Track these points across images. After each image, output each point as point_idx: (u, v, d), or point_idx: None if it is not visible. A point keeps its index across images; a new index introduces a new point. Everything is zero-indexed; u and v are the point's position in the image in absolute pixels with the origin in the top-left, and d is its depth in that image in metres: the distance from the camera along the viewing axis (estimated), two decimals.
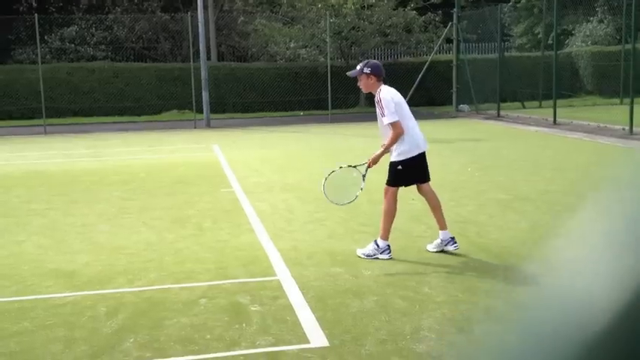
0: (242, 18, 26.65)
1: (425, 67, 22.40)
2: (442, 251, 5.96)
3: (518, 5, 30.70)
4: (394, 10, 24.72)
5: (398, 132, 5.74)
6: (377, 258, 5.79)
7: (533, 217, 7.29)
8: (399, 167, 5.86)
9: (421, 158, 5.94)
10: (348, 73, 6.21)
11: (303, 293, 4.88)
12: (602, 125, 16.61)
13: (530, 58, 26.56)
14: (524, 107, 22.96)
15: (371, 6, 24.41)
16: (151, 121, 22.44)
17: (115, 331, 4.27)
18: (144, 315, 4.54)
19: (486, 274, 5.30)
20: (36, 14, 21.23)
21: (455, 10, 23.38)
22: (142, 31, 27.73)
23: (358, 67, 5.96)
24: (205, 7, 23.15)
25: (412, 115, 6.00)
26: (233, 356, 3.87)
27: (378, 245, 5.84)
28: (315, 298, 4.79)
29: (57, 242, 6.71)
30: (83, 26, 27.12)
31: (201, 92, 20.91)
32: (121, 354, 3.93)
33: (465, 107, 23.49)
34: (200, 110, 21.12)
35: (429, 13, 25.31)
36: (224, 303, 4.74)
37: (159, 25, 27.90)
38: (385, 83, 6.00)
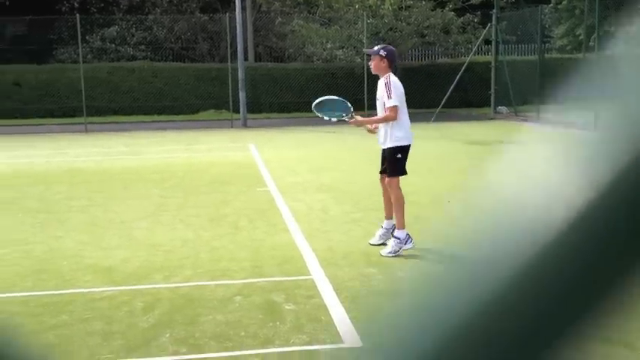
0: (280, 19, 26.76)
1: (463, 68, 22.19)
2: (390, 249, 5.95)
3: (559, 6, 30.23)
4: (432, 11, 24.55)
5: (392, 116, 5.98)
6: (402, 250, 5.86)
7: None
8: (399, 155, 6.05)
9: (409, 149, 6.18)
10: (365, 50, 6.67)
11: (337, 293, 4.88)
12: None
13: (572, 59, 26.12)
14: (564, 109, 22.57)
15: (409, 7, 24.29)
16: (189, 121, 22.70)
17: (152, 326, 4.32)
18: (180, 311, 4.59)
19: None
20: (77, 14, 21.66)
21: (494, 11, 23.12)
22: (180, 31, 28.07)
23: (376, 48, 6.20)
24: (243, 8, 23.34)
25: (407, 110, 6.24)
26: (267, 354, 3.88)
27: (398, 238, 5.93)
28: (349, 298, 4.78)
29: (96, 238, 6.82)
30: (123, 26, 27.57)
31: (238, 92, 21.07)
32: (156, 349, 3.98)
33: (503, 109, 23.20)
34: (237, 110, 21.28)
35: (468, 14, 25.08)
36: (259, 301, 4.76)
37: (197, 26, 28.21)
38: (395, 73, 6.20)
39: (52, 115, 23.45)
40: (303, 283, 5.19)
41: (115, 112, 23.95)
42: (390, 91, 5.96)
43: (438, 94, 23.29)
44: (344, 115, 6.40)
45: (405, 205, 6.15)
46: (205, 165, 12.27)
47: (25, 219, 7.85)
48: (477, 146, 14.06)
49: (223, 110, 23.45)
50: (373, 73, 6.29)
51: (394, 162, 6.05)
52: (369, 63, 6.26)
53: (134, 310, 4.64)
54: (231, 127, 20.46)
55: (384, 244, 6.14)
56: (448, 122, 20.50)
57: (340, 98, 6.59)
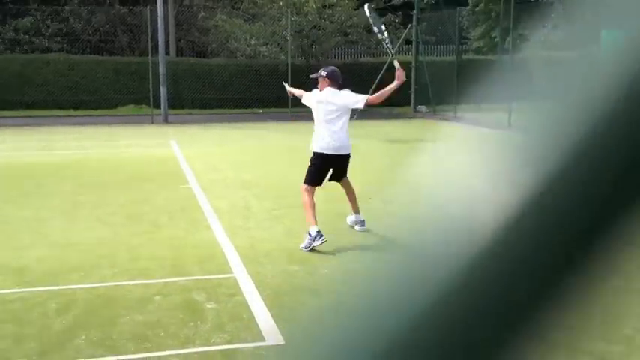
0: (202, 13, 26.41)
1: (384, 67, 22.56)
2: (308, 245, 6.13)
3: (476, 9, 31.16)
4: (355, 10, 24.83)
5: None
6: (312, 246, 6.02)
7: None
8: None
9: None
10: (311, 75, 7.36)
11: (259, 290, 4.87)
12: None
13: (488, 61, 26.99)
14: (480, 109, 23.33)
15: (332, 5, 24.47)
16: (107, 116, 22.08)
17: (67, 328, 4.19)
18: (96, 312, 4.47)
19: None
20: None
21: (414, 12, 23.61)
22: (99, 24, 27.25)
23: (319, 71, 7.07)
24: (165, 2, 22.88)
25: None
26: (187, 354, 3.84)
27: (309, 234, 6.06)
28: (272, 295, 4.79)
29: (8, 236, 6.55)
30: (38, 17, 26.50)
31: (159, 87, 20.66)
32: (72, 351, 3.86)
33: (422, 108, 23.75)
34: (158, 105, 20.86)
35: (390, 14, 25.51)
36: (179, 300, 4.70)
37: (117, 19, 27.46)
38: (341, 89, 7.02)
39: None
40: (224, 281, 5.15)
41: (28, 106, 23.01)
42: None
43: (360, 92, 23.53)
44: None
45: (329, 202, 6.22)
46: (124, 162, 11.97)
47: None
48: (398, 144, 14.32)
49: (143, 105, 22.93)
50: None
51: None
52: (318, 86, 7.01)
53: (48, 311, 4.48)
54: (152, 122, 20.04)
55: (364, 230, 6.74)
56: (370, 120, 20.78)
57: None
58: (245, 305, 4.59)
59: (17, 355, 3.80)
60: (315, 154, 6.65)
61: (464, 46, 27.61)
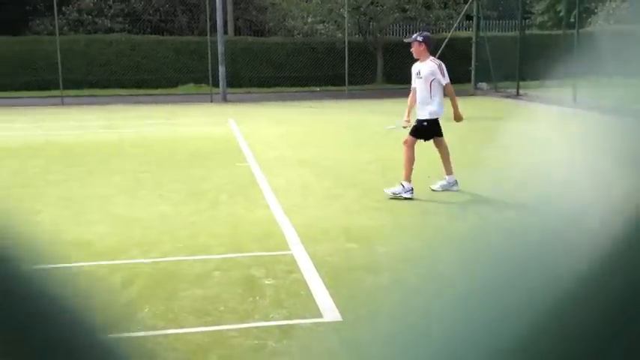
0: None
1: (444, 43, 22.14)
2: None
3: None
4: None
5: (451, 90, 7.36)
6: (399, 195, 6.94)
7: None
8: (425, 124, 7.28)
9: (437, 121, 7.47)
10: (405, 40, 7.75)
11: (317, 268, 4.88)
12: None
13: (552, 36, 26.18)
14: (544, 86, 22.69)
15: None
16: (168, 94, 22.46)
17: (130, 301, 4.29)
18: (158, 286, 4.56)
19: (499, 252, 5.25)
20: None
21: None
22: (159, 3, 27.63)
23: (414, 36, 7.44)
24: None
25: None
26: (246, 328, 3.87)
27: (403, 185, 7.00)
28: (329, 273, 4.78)
29: (74, 213, 6.74)
30: None
31: (217, 66, 20.85)
32: (135, 324, 3.95)
33: (483, 85, 23.25)
34: (216, 84, 21.08)
35: None
36: (238, 276, 4.74)
37: None
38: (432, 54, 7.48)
39: (28, 88, 23.06)
40: (282, 258, 5.18)
41: (92, 86, 23.61)
42: (444, 72, 7.26)
43: None
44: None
45: (388, 181, 6.16)
46: (184, 140, 12.16)
47: (0, 193, 7.74)
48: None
49: (203, 84, 23.21)
50: (415, 57, 7.39)
51: (419, 127, 7.25)
52: (411, 49, 7.36)
53: (112, 285, 4.60)
54: (211, 101, 20.28)
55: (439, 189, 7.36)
56: None
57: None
58: (303, 282, 4.60)
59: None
60: (431, 119, 7.36)
61: (527, 21, 26.85)
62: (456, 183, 7.38)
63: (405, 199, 6.95)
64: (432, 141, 7.43)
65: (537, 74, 23.39)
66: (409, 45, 7.38)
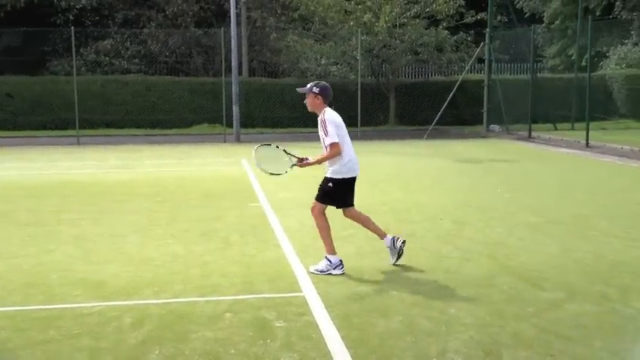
0: (274, 34, 26.87)
1: (456, 86, 22.30)
2: (399, 256, 6.08)
3: (551, 26, 30.49)
4: (426, 29, 24.73)
5: (335, 152, 5.96)
6: (330, 274, 5.82)
7: (563, 240, 7.17)
8: (330, 184, 6.06)
9: (352, 182, 6.21)
10: (298, 89, 6.46)
11: (328, 311, 4.85)
12: (635, 149, 16.34)
13: (563, 79, 26.30)
14: (556, 129, 22.71)
15: (403, 25, 24.46)
16: (182, 134, 22.68)
17: (140, 342, 4.28)
18: (169, 327, 4.54)
19: (515, 298, 5.21)
20: (72, 27, 21.67)
21: (487, 30, 23.30)
22: (175, 45, 28.12)
23: (308, 86, 6.29)
24: (238, 23, 23.43)
25: (349, 140, 6.20)
26: None
27: (330, 261, 5.91)
28: (341, 316, 4.75)
29: (86, 252, 6.77)
30: (118, 40, 27.60)
31: (231, 106, 21.08)
32: None
33: (495, 127, 23.32)
34: (230, 124, 21.29)
35: (461, 32, 25.28)
36: (249, 318, 4.72)
37: (192, 40, 28.28)
38: (330, 106, 6.23)
39: (45, 127, 23.40)
40: (294, 299, 5.16)
41: (108, 125, 23.91)
42: (326, 130, 5.96)
43: (430, 111, 23.39)
44: (291, 163, 6.32)
45: (400, 222, 6.12)
46: (198, 179, 12.24)
47: (15, 232, 7.79)
48: (470, 164, 14.08)
49: (217, 124, 23.45)
50: (310, 110, 6.27)
51: (324, 189, 6.07)
52: (305, 101, 6.27)
53: (123, 325, 4.59)
54: (224, 141, 20.44)
55: (399, 255, 6.15)
56: (441, 140, 20.56)
57: (273, 147, 6.47)
58: (314, 325, 4.57)
59: None
60: (336, 179, 6.09)
61: (539, 64, 27.04)
62: (393, 240, 6.16)
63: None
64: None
65: (549, 117, 23.47)
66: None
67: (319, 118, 6.05)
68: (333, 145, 5.93)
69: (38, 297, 5.29)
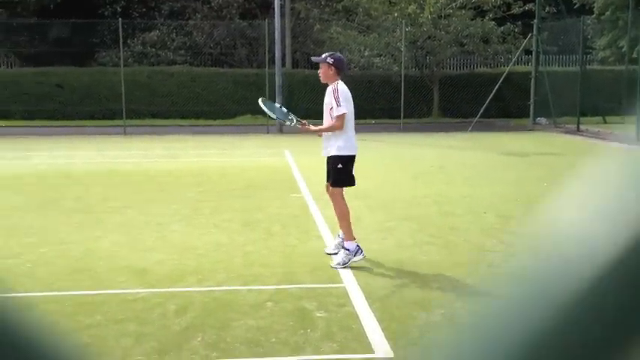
0: (318, 26, 26.84)
1: (502, 78, 21.96)
2: (343, 264, 5.81)
3: (602, 17, 29.74)
4: (472, 20, 24.38)
5: (340, 124, 5.88)
6: (351, 262, 5.78)
7: None
8: (340, 165, 5.95)
9: (354, 160, 6.10)
10: (313, 58, 6.42)
11: (368, 302, 4.85)
12: None
13: (614, 71, 25.65)
14: (605, 122, 22.18)
15: (448, 15, 24.15)
16: (226, 125, 22.89)
17: (184, 329, 4.35)
18: (211, 315, 4.61)
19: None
20: (120, 19, 22.04)
21: (535, 21, 22.84)
22: (220, 37, 28.33)
23: (323, 56, 6.20)
24: (282, 15, 23.49)
25: (353, 119, 6.13)
26: None
27: (348, 249, 5.85)
28: (381, 307, 4.74)
29: (132, 239, 6.90)
30: (164, 31, 27.95)
31: (275, 98, 21.18)
32: (188, 352, 4.00)
33: (542, 120, 22.89)
34: None
35: (508, 23, 24.84)
36: (290, 307, 4.75)
37: (237, 32, 28.45)
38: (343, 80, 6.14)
39: (93, 117, 23.87)
40: (334, 290, 5.17)
41: (154, 116, 24.27)
42: (337, 99, 5.88)
43: (475, 103, 23.09)
44: (290, 118, 6.49)
45: (443, 215, 6.08)
46: (240, 170, 12.34)
47: (63, 219, 7.99)
48: (515, 157, 13.86)
49: (259, 115, 23.58)
50: (322, 81, 6.21)
51: (335, 172, 5.98)
52: (318, 71, 6.21)
53: (167, 312, 4.67)
54: (267, 132, 20.56)
55: (336, 253, 6.05)
56: (485, 132, 20.29)
57: (278, 107, 6.81)
58: (354, 316, 4.57)
59: (137, 353, 3.98)
60: (343, 156, 5.98)
61: (588, 56, 26.41)
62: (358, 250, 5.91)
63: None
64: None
65: (598, 110, 22.92)
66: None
67: (331, 88, 5.99)
68: (340, 116, 5.86)
69: (85, 282, 5.42)
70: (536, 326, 0.37)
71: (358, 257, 5.85)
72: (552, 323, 0.38)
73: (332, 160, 6.00)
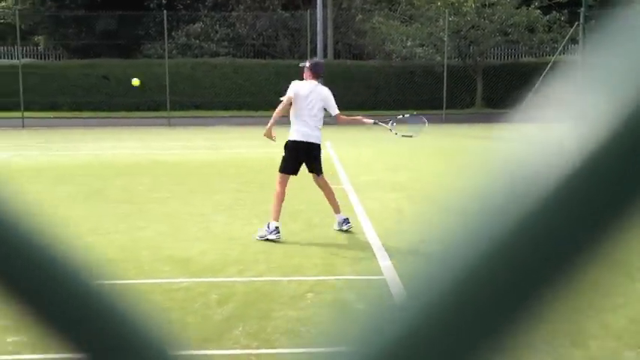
0: (360, 16, 26.74)
1: (548, 67, 21.54)
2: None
3: None
4: (517, 8, 23.95)
5: (279, 111, 7.17)
6: (265, 237, 6.45)
7: None
8: (321, 151, 7.12)
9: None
10: (301, 64, 7.74)
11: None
12: None
13: None
14: None
15: (492, 4, 23.78)
16: (268, 117, 22.93)
17: (225, 318, 4.42)
18: (253, 305, 4.67)
19: (604, 288, 5.03)
20: (165, 11, 22.34)
21: (582, 9, 22.31)
22: (262, 28, 28.47)
23: (306, 62, 7.54)
24: (324, 6, 23.46)
25: None
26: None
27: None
28: None
29: (175, 230, 7.02)
30: (208, 23, 28.21)
31: None
32: (229, 341, 4.06)
33: None
34: None
35: (554, 12, 24.33)
36: (330, 299, 4.78)
37: (279, 23, 28.54)
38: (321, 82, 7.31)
39: (138, 109, 24.29)
40: (375, 282, 5.18)
41: (197, 107, 24.57)
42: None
43: (519, 93, 22.70)
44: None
45: None
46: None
47: (108, 209, 8.17)
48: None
49: None
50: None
51: (318, 158, 7.04)
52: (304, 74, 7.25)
53: (209, 302, 4.75)
54: None
55: (342, 230, 6.83)
56: (531, 123, 19.94)
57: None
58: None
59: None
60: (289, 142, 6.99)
61: None
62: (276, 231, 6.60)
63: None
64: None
65: None
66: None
67: (324, 90, 7.17)
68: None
69: (130, 271, 5.54)
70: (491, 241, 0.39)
71: (272, 236, 6.44)
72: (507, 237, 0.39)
73: (317, 149, 7.10)
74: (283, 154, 6.98)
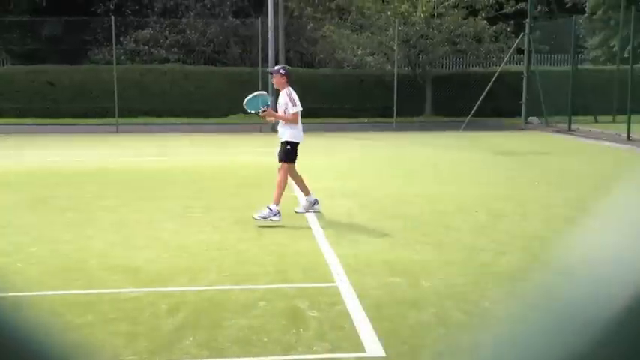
0: (311, 24, 26.84)
1: (494, 77, 22.02)
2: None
3: (593, 17, 29.86)
4: (464, 19, 24.43)
5: (295, 119, 8.03)
6: (269, 219, 7.38)
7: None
8: (289, 147, 7.97)
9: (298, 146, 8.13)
10: (267, 70, 8.80)
11: (360, 301, 4.86)
12: None
13: (605, 71, 25.77)
14: (596, 121, 22.28)
15: (441, 15, 24.20)
16: (218, 124, 22.86)
17: (175, 328, 4.35)
18: (203, 314, 4.61)
19: (551, 292, 5.15)
20: (113, 16, 21.97)
21: (527, 20, 22.92)
22: (213, 35, 28.27)
23: (276, 67, 8.33)
24: (276, 13, 23.45)
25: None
26: None
27: (271, 210, 7.45)
28: (373, 306, 4.76)
29: (124, 238, 6.90)
30: (157, 29, 27.87)
31: None
32: (180, 352, 4.00)
33: (534, 120, 22.98)
34: None
35: (501, 23, 24.90)
36: (282, 306, 4.77)
37: (230, 30, 28.39)
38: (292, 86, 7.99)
39: (85, 116, 23.79)
40: (326, 289, 5.18)
41: (146, 114, 24.20)
42: (294, 100, 7.91)
43: (468, 103, 23.13)
44: (261, 107, 8.09)
45: (435, 214, 6.12)
46: (233, 168, 12.34)
47: (55, 218, 7.98)
48: (507, 156, 13.91)
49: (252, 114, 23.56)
50: (275, 87, 8.23)
51: (285, 152, 7.94)
52: (272, 80, 8.29)
53: (159, 311, 4.67)
54: (260, 131, 20.55)
55: (308, 212, 8.07)
56: (478, 131, 20.34)
57: (262, 93, 8.43)
58: (346, 315, 4.59)
59: (129, 353, 3.99)
60: (294, 142, 8.08)
61: (580, 56, 26.50)
62: (316, 202, 8.16)
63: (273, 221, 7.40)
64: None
65: (590, 109, 23.02)
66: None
67: (286, 92, 7.91)
68: (296, 113, 7.98)
69: (78, 282, 5.41)
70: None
71: (276, 218, 7.42)
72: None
73: (284, 144, 7.98)
74: (291, 151, 8.01)
